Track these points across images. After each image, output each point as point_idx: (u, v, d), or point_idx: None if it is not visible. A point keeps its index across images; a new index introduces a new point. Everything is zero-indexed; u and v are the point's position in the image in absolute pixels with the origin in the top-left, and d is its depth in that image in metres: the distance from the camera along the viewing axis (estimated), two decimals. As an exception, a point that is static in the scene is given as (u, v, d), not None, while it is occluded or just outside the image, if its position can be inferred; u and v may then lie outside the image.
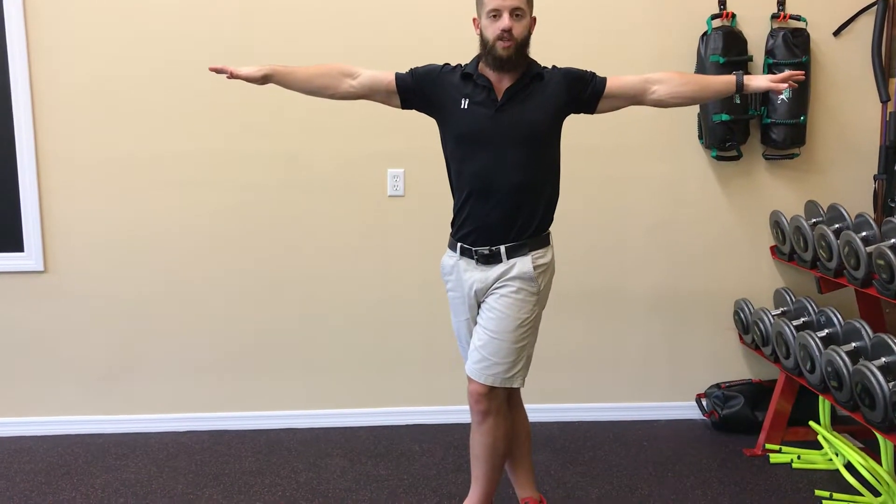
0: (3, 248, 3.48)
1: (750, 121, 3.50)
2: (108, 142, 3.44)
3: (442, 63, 2.56)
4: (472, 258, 2.50)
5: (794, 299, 3.43)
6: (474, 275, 2.49)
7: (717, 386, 3.62)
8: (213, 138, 3.44)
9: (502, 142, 2.43)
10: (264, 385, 3.60)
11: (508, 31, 2.37)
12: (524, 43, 2.43)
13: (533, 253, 2.48)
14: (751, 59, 3.47)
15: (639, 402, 3.71)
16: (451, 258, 2.57)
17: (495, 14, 2.38)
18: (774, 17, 3.50)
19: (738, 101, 3.41)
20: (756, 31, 3.49)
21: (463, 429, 3.59)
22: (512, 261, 2.46)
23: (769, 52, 3.46)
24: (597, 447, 3.43)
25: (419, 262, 3.57)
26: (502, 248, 2.46)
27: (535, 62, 2.51)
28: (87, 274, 3.51)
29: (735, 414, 3.53)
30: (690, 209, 3.62)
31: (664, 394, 3.71)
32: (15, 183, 3.44)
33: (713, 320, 3.68)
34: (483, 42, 2.44)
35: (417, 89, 2.52)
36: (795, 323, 3.24)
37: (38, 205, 3.46)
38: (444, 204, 3.50)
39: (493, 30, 2.39)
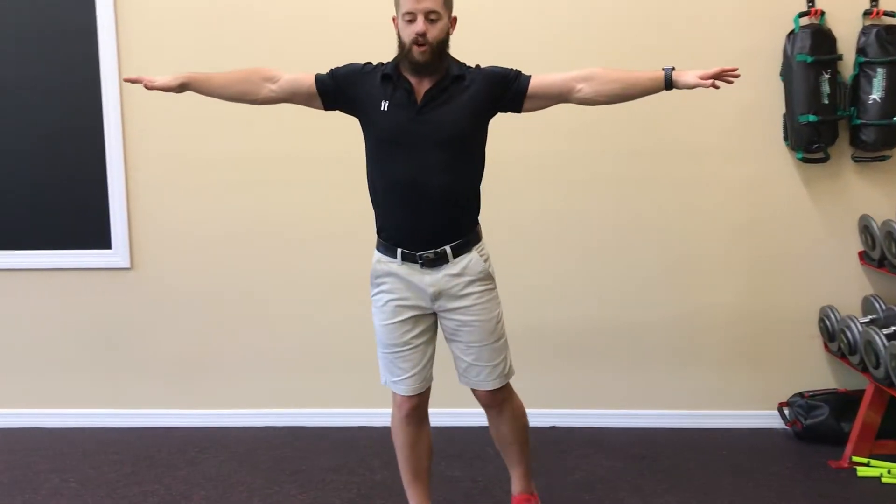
0: (91, 245, 3.61)
1: (838, 121, 3.38)
2: (193, 141, 3.53)
3: (363, 62, 2.50)
4: (416, 262, 2.44)
5: (884, 307, 3.30)
6: (424, 279, 2.45)
7: (801, 395, 3.51)
8: (296, 139, 3.50)
9: (424, 144, 2.39)
10: (343, 382, 3.64)
11: (423, 34, 2.33)
12: (441, 45, 2.39)
13: (476, 247, 2.48)
14: (840, 58, 3.36)
15: (718, 410, 3.62)
16: (388, 264, 2.48)
17: (410, 18, 2.34)
18: (867, 13, 3.37)
19: (827, 102, 3.31)
20: (846, 29, 3.38)
21: (538, 432, 3.57)
22: (458, 260, 2.45)
23: (860, 51, 3.34)
24: (675, 455, 3.36)
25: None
26: (448, 249, 2.43)
27: (456, 63, 2.45)
28: (172, 271, 3.61)
29: (819, 424, 3.42)
30: (774, 213, 3.52)
31: (745, 402, 3.61)
32: (104, 182, 3.56)
33: (797, 328, 3.57)
34: (400, 44, 2.41)
35: (338, 90, 2.49)
36: (886, 331, 3.11)
37: (126, 203, 3.57)
38: (511, 208, 3.52)
39: (408, 33, 2.36)
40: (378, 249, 2.52)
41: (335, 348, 3.62)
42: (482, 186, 2.57)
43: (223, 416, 3.67)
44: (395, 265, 2.47)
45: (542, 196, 3.53)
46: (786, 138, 3.45)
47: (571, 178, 3.52)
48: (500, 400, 2.58)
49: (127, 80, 2.55)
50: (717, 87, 2.35)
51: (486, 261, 2.52)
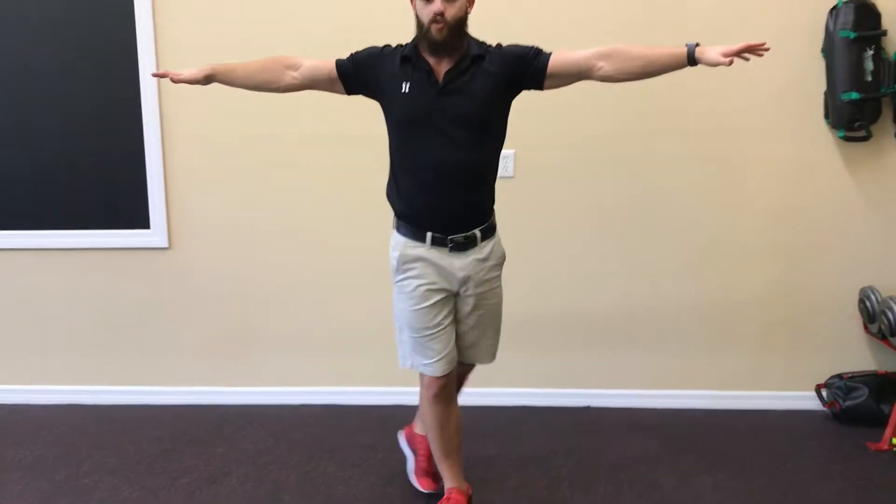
0: (130, 225, 3.65)
1: (882, 99, 3.31)
2: (230, 122, 3.54)
3: (382, 45, 2.50)
4: (446, 246, 2.45)
5: (926, 288, 3.25)
6: (454, 263, 2.46)
7: (839, 377, 3.47)
8: (333, 121, 3.50)
9: (447, 125, 2.38)
10: (378, 361, 3.65)
11: (441, 14, 2.31)
12: (459, 25, 2.37)
13: (496, 232, 2.55)
14: (884, 33, 3.28)
15: (755, 391, 3.60)
16: (416, 248, 2.47)
17: None
18: (912, -12, 3.30)
19: (870, 79, 3.24)
20: (891, 4, 3.30)
21: (572, 412, 3.58)
22: (485, 244, 2.50)
23: (905, 26, 3.27)
24: (710, 436, 3.34)
25: (527, 246, 3.54)
26: (478, 232, 2.46)
27: (476, 42, 2.44)
28: (209, 250, 3.64)
29: (858, 406, 3.38)
30: (814, 192, 3.46)
31: (782, 383, 3.58)
32: (142, 163, 3.59)
33: (836, 308, 3.53)
34: (418, 24, 2.40)
35: (358, 75, 2.49)
36: (928, 313, 3.07)
37: (164, 184, 3.60)
38: (554, 186, 3.52)
39: (426, 13, 2.35)
40: (402, 234, 2.51)
41: (371, 327, 3.63)
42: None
43: (259, 394, 3.72)
44: (423, 249, 2.46)
45: (576, 177, 3.51)
46: (826, 116, 3.39)
47: (607, 158, 3.49)
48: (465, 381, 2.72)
49: (154, 76, 2.60)
50: (746, 59, 2.26)
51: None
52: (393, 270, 2.53)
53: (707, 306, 3.56)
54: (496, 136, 2.49)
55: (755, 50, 2.25)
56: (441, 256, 2.46)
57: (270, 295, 3.66)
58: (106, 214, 3.64)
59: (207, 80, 2.54)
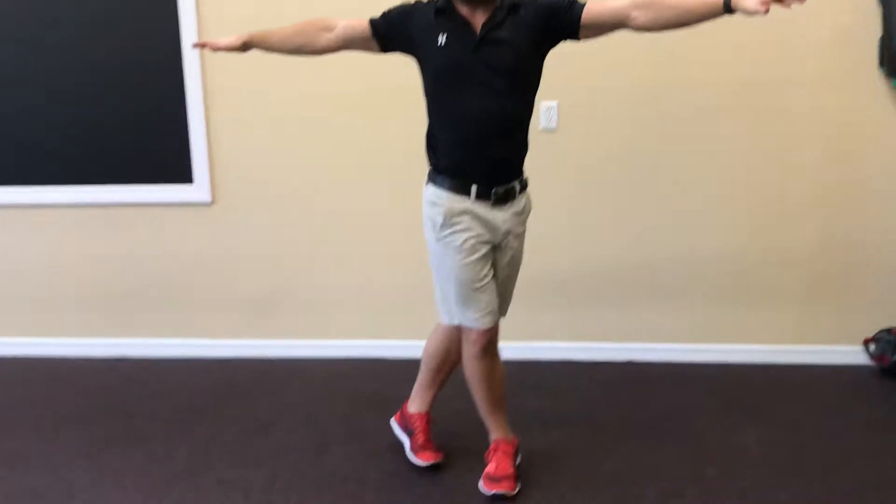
0: (174, 180, 3.67)
1: (940, 45, 3.21)
2: (271, 76, 3.53)
3: (414, 0, 2.47)
4: (489, 199, 2.45)
5: (981, 240, 3.17)
6: (497, 216, 2.47)
7: (888, 331, 3.42)
8: (374, 73, 3.47)
9: (485, 77, 2.36)
10: (421, 315, 3.67)
11: None
12: None
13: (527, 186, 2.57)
14: (944, -24, 3.17)
15: (800, 345, 3.56)
16: (461, 202, 2.45)
17: None
18: (974, -72, 3.17)
19: (928, 24, 3.14)
20: (951, -54, 3.18)
21: (614, 367, 3.58)
22: (521, 197, 2.52)
23: (966, -31, 3.15)
24: (756, 390, 3.33)
25: (570, 200, 3.52)
26: (516, 184, 2.49)
27: None
28: (252, 204, 3.66)
29: (907, 360, 3.34)
30: (866, 142, 3.38)
31: (829, 337, 3.54)
32: (185, 118, 3.60)
33: (885, 261, 3.46)
34: None
35: (392, 31, 2.47)
36: (983, 266, 3.00)
37: (206, 138, 3.61)
38: (599, 139, 3.47)
39: None
40: (444, 188, 2.48)
41: (414, 280, 3.64)
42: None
43: (301, 347, 3.76)
44: (468, 203, 2.46)
45: (621, 129, 3.46)
46: (881, 64, 3.29)
47: (653, 109, 3.43)
48: (495, 336, 2.61)
49: (195, 46, 2.58)
50: (787, 6, 2.14)
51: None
52: (436, 226, 2.50)
53: (754, 259, 3.52)
54: (532, 87, 2.49)
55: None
56: (485, 210, 2.47)
57: (313, 249, 3.68)
58: (149, 169, 3.67)
59: (245, 46, 2.55)
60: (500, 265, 2.56)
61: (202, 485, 2.69)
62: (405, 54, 2.52)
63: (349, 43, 2.53)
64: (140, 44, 3.55)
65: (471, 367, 2.62)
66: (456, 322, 2.58)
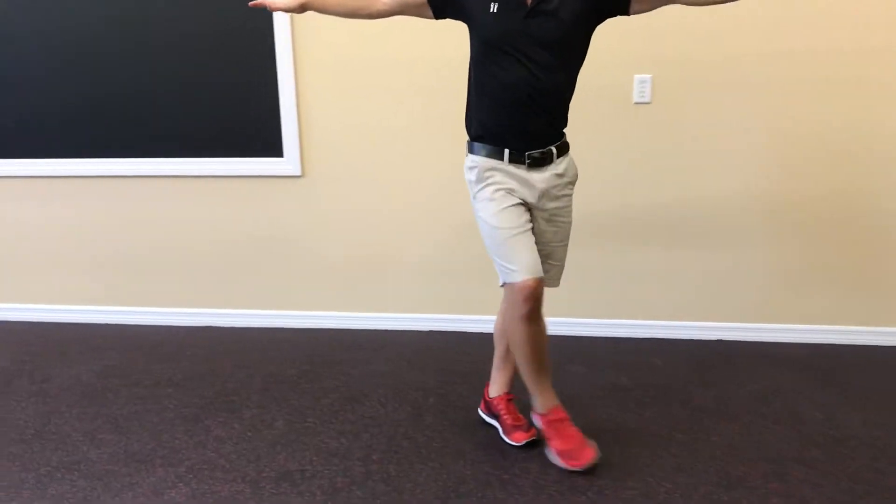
0: (264, 153, 3.71)
1: None
2: (361, 47, 3.53)
3: None
4: (523, 162, 2.48)
5: None
6: (533, 176, 2.49)
7: None
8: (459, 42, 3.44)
9: (534, 46, 2.36)
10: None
11: None
12: None
13: (569, 152, 2.57)
14: None
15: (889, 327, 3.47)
16: (496, 164, 2.49)
17: None
18: None
19: None
20: None
21: (704, 345, 3.52)
22: (560, 160, 2.53)
23: None
24: (858, 371, 3.24)
25: (664, 173, 3.46)
26: (553, 149, 2.50)
27: None
28: (341, 177, 3.69)
29: None
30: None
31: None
32: (275, 90, 3.63)
33: None
34: None
35: None
36: None
37: (297, 112, 3.64)
38: (694, 112, 3.40)
39: None
40: (478, 154, 2.52)
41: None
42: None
43: (388, 319, 3.79)
44: (502, 164, 2.50)
45: (715, 101, 3.38)
46: None
47: (747, 80, 3.34)
48: (540, 301, 2.52)
49: (252, 5, 2.60)
50: None
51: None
52: (471, 185, 2.56)
53: (852, 239, 3.42)
54: (578, 59, 2.48)
55: None
56: (519, 170, 2.50)
57: (401, 223, 3.69)
58: (240, 142, 3.71)
59: (303, 8, 2.56)
60: (537, 229, 2.56)
61: (302, 453, 2.73)
62: (458, 20, 2.53)
63: (404, 8, 2.56)
64: (232, 18, 3.58)
65: (512, 328, 2.56)
66: (507, 281, 2.52)
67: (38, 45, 3.70)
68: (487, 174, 2.51)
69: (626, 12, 2.43)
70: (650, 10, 2.45)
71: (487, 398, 2.91)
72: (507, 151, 2.48)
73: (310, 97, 3.63)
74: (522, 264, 2.47)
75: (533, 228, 2.55)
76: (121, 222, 3.89)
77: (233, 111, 3.68)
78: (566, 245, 2.66)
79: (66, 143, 3.81)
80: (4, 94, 3.78)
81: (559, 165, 2.53)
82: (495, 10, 2.39)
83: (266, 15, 3.55)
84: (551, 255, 2.62)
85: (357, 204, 3.72)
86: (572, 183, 2.60)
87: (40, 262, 4.00)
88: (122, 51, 3.67)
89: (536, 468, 2.60)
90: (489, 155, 2.51)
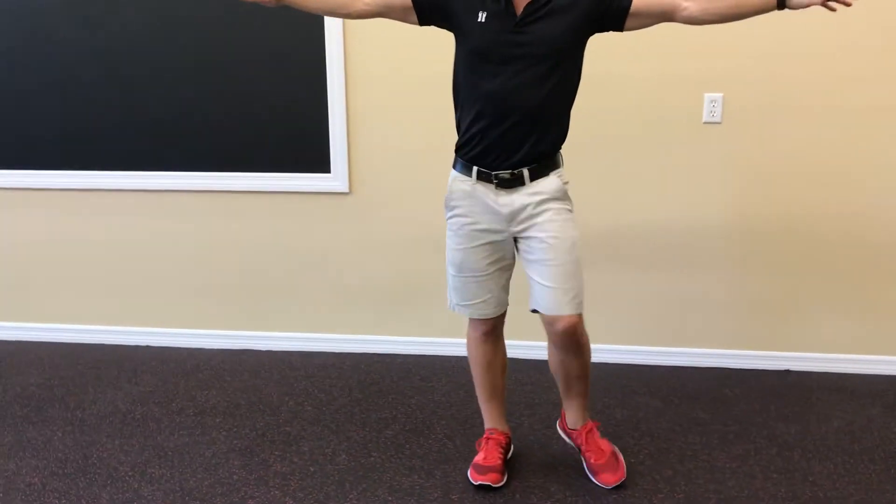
0: (311, 169, 3.54)
1: None
2: (412, 63, 3.37)
3: None
4: (491, 182, 2.34)
5: None
6: (499, 199, 2.36)
7: None
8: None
9: (519, 59, 2.26)
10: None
11: None
12: None
13: (554, 172, 2.38)
14: None
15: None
16: (463, 182, 2.41)
17: None
18: None
19: None
20: None
21: (770, 375, 3.38)
22: (536, 183, 2.35)
23: None
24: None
25: (733, 194, 3.32)
26: (525, 171, 2.34)
27: None
28: (390, 195, 3.51)
29: None
30: None
31: None
32: (324, 105, 3.46)
33: None
34: None
35: (433, 4, 2.34)
36: None
37: (346, 128, 3.47)
38: (765, 134, 3.26)
39: None
40: (455, 168, 2.45)
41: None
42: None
43: (439, 344, 3.61)
44: (469, 184, 2.40)
45: (789, 122, 3.25)
46: None
47: (824, 103, 3.21)
48: (581, 331, 2.43)
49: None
50: (833, 10, 2.17)
51: (565, 185, 2.42)
52: (445, 208, 2.49)
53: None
54: (567, 75, 2.34)
55: None
56: (486, 192, 2.38)
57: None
58: (286, 158, 3.54)
59: (278, 1, 2.42)
60: (525, 253, 2.42)
61: (374, 491, 2.55)
62: (442, 28, 2.42)
63: (387, 10, 2.43)
64: (283, 33, 3.41)
65: (470, 350, 2.63)
66: (451, 308, 2.57)
67: (87, 54, 3.52)
68: (454, 203, 2.45)
69: (620, 28, 2.33)
70: (645, 26, 2.35)
71: (566, 428, 2.74)
72: (475, 169, 2.37)
73: (360, 111, 3.46)
74: (472, 304, 2.51)
75: (523, 253, 2.42)
76: (154, 238, 3.69)
77: (278, 123, 3.50)
78: (570, 267, 2.36)
79: (103, 156, 3.61)
80: (53, 103, 3.60)
81: (531, 187, 2.36)
82: (483, 20, 2.29)
83: (318, 27, 3.39)
84: (553, 278, 2.36)
85: (406, 223, 3.54)
86: (557, 199, 2.38)
87: (68, 279, 3.79)
88: (175, 70, 3.50)
89: (630, 511, 2.44)
90: (461, 170, 2.42)
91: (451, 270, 2.51)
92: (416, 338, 3.63)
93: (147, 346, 3.77)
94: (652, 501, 2.49)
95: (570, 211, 2.43)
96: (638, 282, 3.46)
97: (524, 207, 2.37)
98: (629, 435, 2.88)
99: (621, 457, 2.63)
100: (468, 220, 2.43)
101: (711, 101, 3.28)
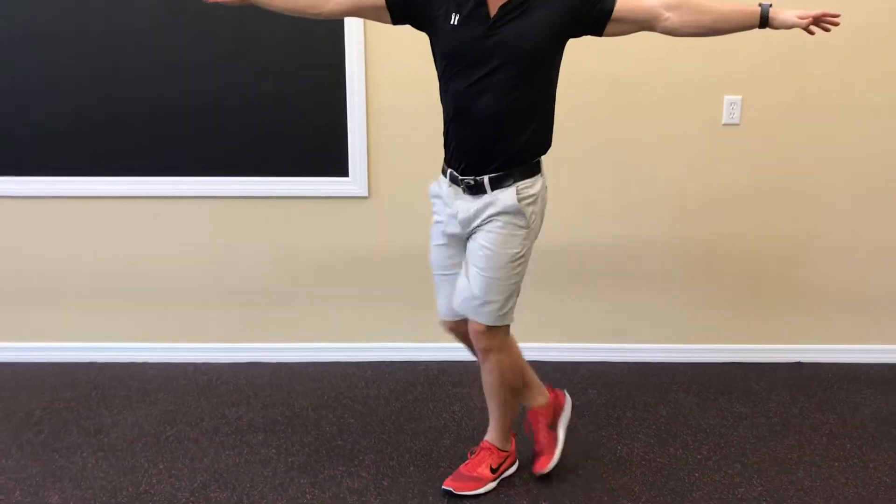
0: (330, 173, 3.43)
1: None
2: (431, 66, 3.31)
3: None
4: (459, 186, 2.39)
5: None
6: (458, 203, 2.41)
7: None
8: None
9: (492, 63, 2.24)
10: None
11: None
12: None
13: (519, 184, 2.34)
14: None
15: None
16: (439, 185, 2.49)
17: None
18: None
19: None
20: None
21: (784, 368, 3.50)
22: (496, 192, 2.34)
23: None
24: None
25: (753, 195, 3.43)
26: (485, 179, 2.33)
27: None
28: (409, 200, 3.43)
29: None
30: None
31: None
32: (343, 109, 3.36)
33: None
34: None
35: (407, 4, 2.35)
36: None
37: (366, 131, 3.38)
38: (785, 137, 3.38)
39: None
40: (441, 168, 2.49)
41: (575, 281, 3.49)
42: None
43: (462, 349, 3.55)
44: (444, 186, 2.45)
45: (807, 123, 3.38)
46: None
47: (841, 102, 3.35)
48: (489, 345, 2.45)
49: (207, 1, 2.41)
50: (812, 34, 2.26)
51: (523, 200, 2.35)
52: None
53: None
54: (542, 80, 2.33)
55: (825, 20, 2.21)
56: (453, 195, 2.42)
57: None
58: (303, 161, 3.41)
59: (243, 1, 2.39)
60: (468, 254, 2.44)
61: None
62: (416, 28, 2.42)
63: (358, 10, 2.41)
64: (302, 36, 3.28)
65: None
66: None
67: (94, 55, 3.30)
68: (433, 200, 2.51)
69: (599, 33, 2.31)
70: (625, 34, 2.33)
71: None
72: (449, 171, 2.40)
73: (380, 113, 3.37)
74: (440, 305, 2.57)
75: (467, 253, 2.45)
76: (164, 246, 3.48)
77: (295, 125, 3.37)
78: (501, 282, 2.36)
79: (111, 161, 3.39)
80: (62, 104, 3.35)
81: (491, 196, 2.35)
82: (456, 23, 2.27)
83: (338, 27, 3.28)
84: (480, 287, 2.37)
85: (427, 228, 3.44)
86: (510, 214, 2.34)
87: (66, 294, 3.52)
88: (191, 73, 3.32)
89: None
90: (442, 171, 2.46)
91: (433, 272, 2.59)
92: (440, 344, 3.55)
93: (144, 363, 3.55)
94: (735, 494, 2.54)
95: (522, 227, 2.36)
96: (657, 281, 3.53)
97: (477, 213, 2.37)
98: (684, 432, 2.93)
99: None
100: (439, 218, 2.50)
101: (731, 103, 3.37)
